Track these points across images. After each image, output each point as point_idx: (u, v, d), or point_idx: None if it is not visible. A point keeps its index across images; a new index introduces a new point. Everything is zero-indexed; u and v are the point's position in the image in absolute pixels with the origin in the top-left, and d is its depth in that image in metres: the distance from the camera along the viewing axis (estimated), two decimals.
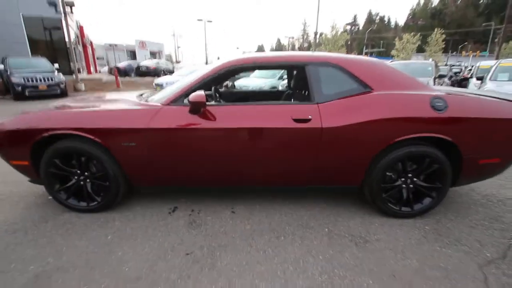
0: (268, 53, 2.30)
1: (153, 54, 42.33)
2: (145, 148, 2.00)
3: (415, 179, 2.14)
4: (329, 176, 2.14)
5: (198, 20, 30.88)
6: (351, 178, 2.15)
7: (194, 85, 2.07)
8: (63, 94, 10.12)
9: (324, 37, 33.71)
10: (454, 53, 53.48)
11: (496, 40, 48.49)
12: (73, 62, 13.10)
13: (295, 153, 2.03)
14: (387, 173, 2.12)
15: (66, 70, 15.25)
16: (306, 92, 2.51)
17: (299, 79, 2.74)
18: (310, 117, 1.96)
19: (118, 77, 14.17)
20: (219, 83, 3.43)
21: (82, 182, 2.17)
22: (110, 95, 2.84)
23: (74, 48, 22.30)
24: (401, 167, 2.11)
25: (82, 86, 12.64)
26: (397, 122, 1.94)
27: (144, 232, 1.99)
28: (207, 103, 2.10)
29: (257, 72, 10.12)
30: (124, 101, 2.31)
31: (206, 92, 2.77)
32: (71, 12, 12.18)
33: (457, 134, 1.99)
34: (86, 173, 2.15)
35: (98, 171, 2.13)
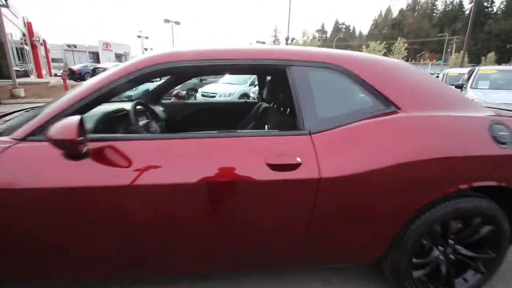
0: (219, 47, 1.28)
1: (118, 57, 39.51)
2: None
3: (458, 246, 1.37)
4: (328, 254, 1.29)
5: (165, 21, 29.05)
6: (365, 254, 1.32)
7: (71, 104, 1.08)
8: None
9: (295, 43, 33.81)
10: (413, 62, 57.31)
11: (448, 50, 53.11)
12: (10, 64, 11.11)
13: (272, 222, 1.15)
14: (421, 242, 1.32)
15: (6, 72, 13.02)
16: (288, 110, 1.65)
17: (278, 91, 1.75)
18: (298, 160, 1.09)
19: (73, 81, 12.38)
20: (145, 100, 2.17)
21: None
22: None
23: (21, 48, 19.74)
24: (440, 230, 1.33)
25: (21, 92, 10.79)
26: (444, 164, 1.15)
27: None
28: (112, 135, 1.17)
29: (227, 77, 9.14)
30: None
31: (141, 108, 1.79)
32: (6, 4, 10.18)
33: None
34: None
35: None
